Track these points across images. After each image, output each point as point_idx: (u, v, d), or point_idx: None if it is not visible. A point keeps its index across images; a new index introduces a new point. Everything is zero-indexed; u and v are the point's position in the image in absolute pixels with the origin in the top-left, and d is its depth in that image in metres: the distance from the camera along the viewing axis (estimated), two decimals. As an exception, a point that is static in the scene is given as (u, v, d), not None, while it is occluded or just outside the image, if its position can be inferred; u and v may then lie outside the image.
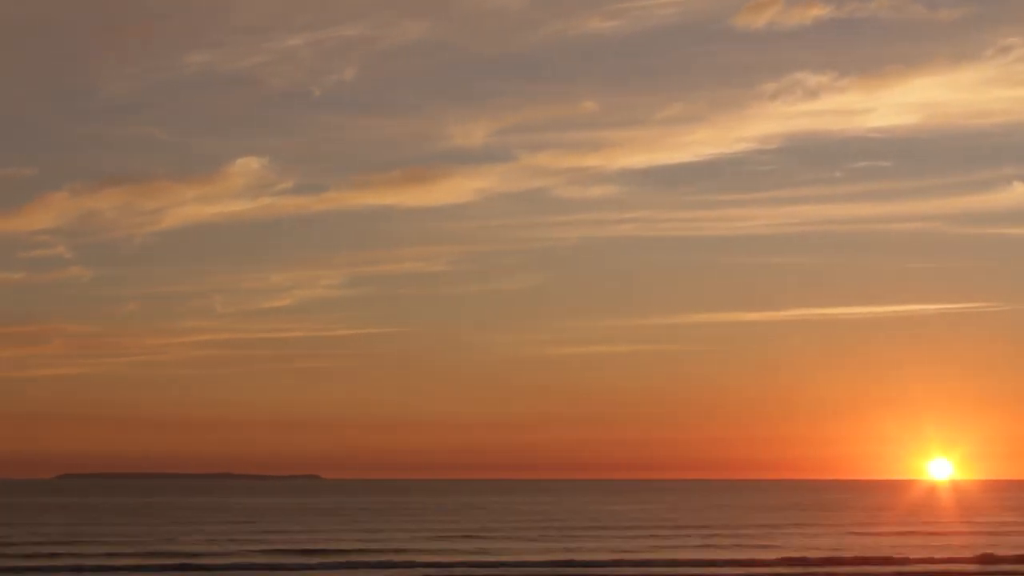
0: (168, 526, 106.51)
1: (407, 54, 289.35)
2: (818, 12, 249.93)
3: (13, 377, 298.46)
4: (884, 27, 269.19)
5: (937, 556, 72.08)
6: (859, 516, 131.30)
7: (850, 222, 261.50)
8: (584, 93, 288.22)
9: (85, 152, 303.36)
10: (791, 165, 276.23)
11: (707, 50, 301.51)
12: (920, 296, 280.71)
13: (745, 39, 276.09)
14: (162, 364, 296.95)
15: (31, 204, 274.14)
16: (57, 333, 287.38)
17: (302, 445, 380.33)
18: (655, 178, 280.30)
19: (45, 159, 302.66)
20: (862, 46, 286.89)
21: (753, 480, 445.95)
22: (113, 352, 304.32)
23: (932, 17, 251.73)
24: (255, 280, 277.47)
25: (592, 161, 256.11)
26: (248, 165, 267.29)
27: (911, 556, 71.92)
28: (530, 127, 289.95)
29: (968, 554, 73.35)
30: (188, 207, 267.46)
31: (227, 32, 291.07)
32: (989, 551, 74.63)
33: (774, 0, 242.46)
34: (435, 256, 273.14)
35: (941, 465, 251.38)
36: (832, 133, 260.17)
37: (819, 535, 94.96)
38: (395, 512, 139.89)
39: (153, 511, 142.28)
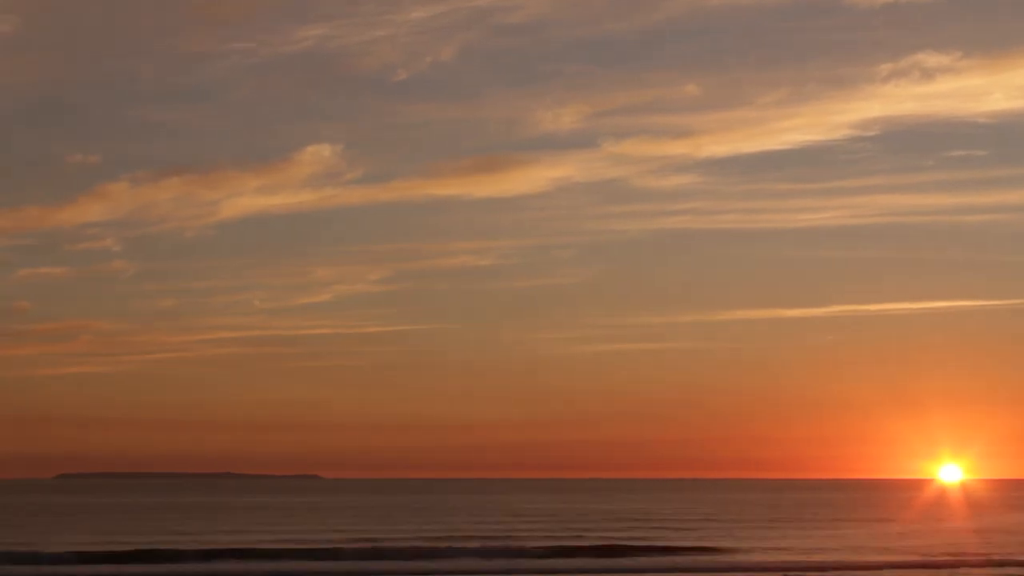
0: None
1: (503, 35, 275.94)
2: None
3: (25, 376, 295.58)
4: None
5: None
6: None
7: (926, 213, 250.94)
8: (686, 76, 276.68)
9: (150, 139, 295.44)
10: (882, 153, 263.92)
11: (823, 27, 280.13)
12: (990, 291, 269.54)
13: (865, 15, 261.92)
14: (181, 363, 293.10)
15: (88, 194, 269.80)
16: (84, 330, 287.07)
17: (309, 445, 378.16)
18: (738, 167, 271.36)
19: (110, 146, 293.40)
20: (993, 22, 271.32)
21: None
22: (135, 350, 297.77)
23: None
24: (298, 275, 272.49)
25: (679, 149, 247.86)
26: (319, 153, 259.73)
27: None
28: (624, 111, 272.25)
29: None
30: (246, 198, 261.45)
31: (304, 13, 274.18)
32: None
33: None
34: (487, 250, 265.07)
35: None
36: (937, 118, 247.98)
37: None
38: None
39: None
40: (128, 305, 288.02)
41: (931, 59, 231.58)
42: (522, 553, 69.40)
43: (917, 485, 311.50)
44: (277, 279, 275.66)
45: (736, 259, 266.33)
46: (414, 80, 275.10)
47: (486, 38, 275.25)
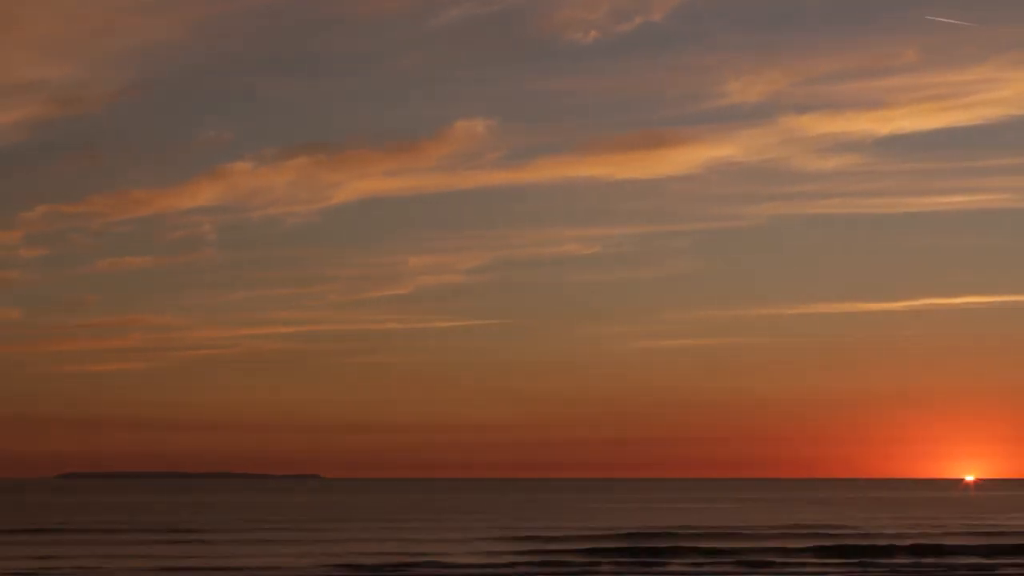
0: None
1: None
2: None
3: (65, 373, 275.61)
4: None
5: None
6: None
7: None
8: (894, 43, 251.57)
9: (286, 115, 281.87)
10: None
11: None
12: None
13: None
14: (217, 360, 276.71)
15: (206, 175, 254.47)
16: (138, 325, 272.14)
17: (307, 444, 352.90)
18: (906, 145, 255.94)
19: (245, 124, 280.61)
20: None
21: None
22: (180, 346, 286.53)
23: None
24: (386, 264, 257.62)
25: (856, 125, 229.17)
26: (471, 129, 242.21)
27: None
28: (816, 81, 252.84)
29: None
30: (368, 181, 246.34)
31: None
32: None
33: None
34: (595, 238, 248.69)
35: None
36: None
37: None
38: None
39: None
40: (196, 298, 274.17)
41: None
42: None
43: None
44: (361, 269, 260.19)
45: (857, 246, 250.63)
46: (581, 49, 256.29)
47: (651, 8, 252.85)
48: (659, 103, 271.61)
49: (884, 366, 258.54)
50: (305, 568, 64.19)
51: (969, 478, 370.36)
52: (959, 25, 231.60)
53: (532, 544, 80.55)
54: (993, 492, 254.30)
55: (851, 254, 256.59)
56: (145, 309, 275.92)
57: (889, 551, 75.68)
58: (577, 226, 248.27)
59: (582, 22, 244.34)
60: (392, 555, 71.43)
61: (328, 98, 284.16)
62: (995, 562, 69.67)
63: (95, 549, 75.56)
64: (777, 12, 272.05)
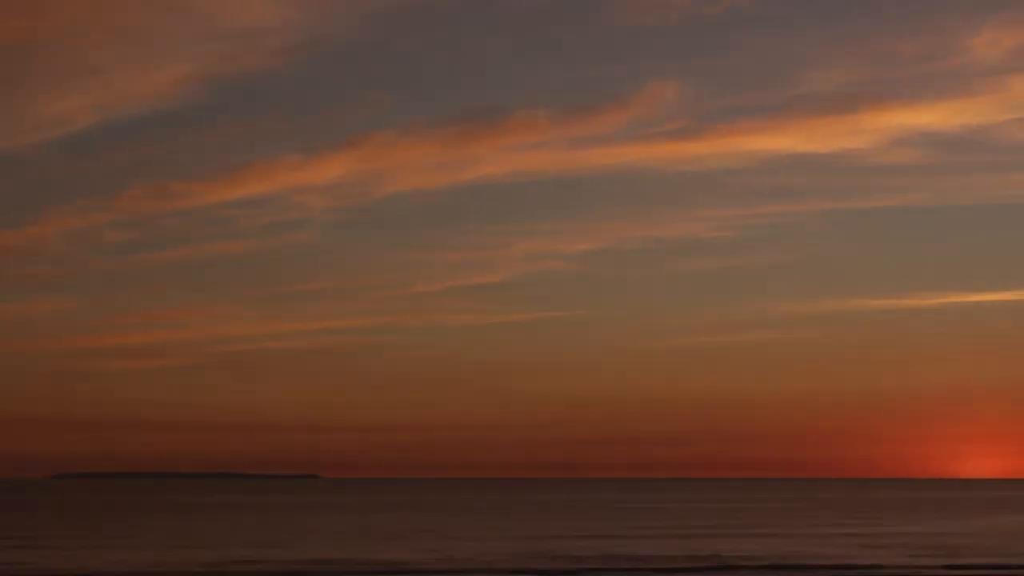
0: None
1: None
2: None
3: (96, 370, 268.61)
4: None
5: None
6: None
7: None
8: None
9: (457, 80, 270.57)
10: None
11: None
12: None
13: None
14: (255, 356, 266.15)
15: (341, 147, 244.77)
16: (194, 319, 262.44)
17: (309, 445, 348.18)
18: None
19: (408, 90, 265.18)
20: None
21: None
22: (223, 340, 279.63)
23: None
24: (487, 250, 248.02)
25: None
26: (659, 93, 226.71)
27: None
28: None
29: None
30: (508, 154, 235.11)
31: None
32: None
33: None
34: (722, 221, 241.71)
35: None
36: None
37: None
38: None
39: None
40: (269, 286, 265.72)
41: None
42: None
43: None
44: (458, 255, 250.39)
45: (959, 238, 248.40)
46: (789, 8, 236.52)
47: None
48: (880, 64, 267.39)
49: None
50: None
51: None
52: None
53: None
54: None
55: (925, 246, 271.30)
56: (208, 300, 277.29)
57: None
58: (707, 208, 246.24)
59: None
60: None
61: (500, 63, 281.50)
62: None
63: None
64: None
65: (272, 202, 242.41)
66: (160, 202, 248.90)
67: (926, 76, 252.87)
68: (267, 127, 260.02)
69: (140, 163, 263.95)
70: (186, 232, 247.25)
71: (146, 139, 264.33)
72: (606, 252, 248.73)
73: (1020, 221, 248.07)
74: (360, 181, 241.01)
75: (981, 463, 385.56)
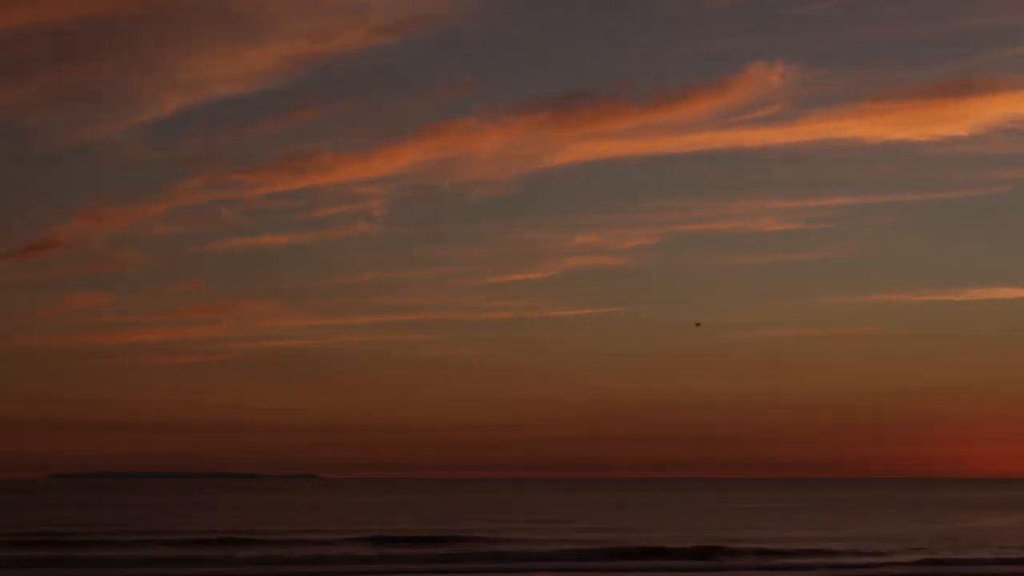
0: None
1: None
2: None
3: (124, 366, 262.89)
4: None
5: None
6: None
7: None
8: None
9: (529, 64, 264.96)
10: None
11: None
12: None
13: None
14: (281, 353, 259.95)
15: (412, 136, 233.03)
16: (227, 314, 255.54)
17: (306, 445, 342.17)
18: None
19: (491, 76, 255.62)
20: None
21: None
22: (251, 336, 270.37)
23: None
24: (546, 243, 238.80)
25: None
26: (758, 75, 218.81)
27: None
28: None
29: None
30: (589, 143, 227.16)
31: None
32: None
33: None
34: (796, 212, 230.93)
35: None
36: None
37: None
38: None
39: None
40: (316, 280, 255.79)
41: None
42: None
43: None
44: (515, 249, 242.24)
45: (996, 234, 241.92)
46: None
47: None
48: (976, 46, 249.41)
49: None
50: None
51: None
52: None
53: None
54: None
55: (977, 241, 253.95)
56: (246, 295, 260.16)
57: None
58: (787, 198, 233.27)
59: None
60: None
61: (598, 45, 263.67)
62: None
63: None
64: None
65: (327, 194, 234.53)
66: (215, 193, 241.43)
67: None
68: (340, 113, 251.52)
69: (199, 153, 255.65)
70: (237, 224, 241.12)
71: (215, 125, 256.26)
72: (668, 243, 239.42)
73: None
74: (423, 172, 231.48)
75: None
